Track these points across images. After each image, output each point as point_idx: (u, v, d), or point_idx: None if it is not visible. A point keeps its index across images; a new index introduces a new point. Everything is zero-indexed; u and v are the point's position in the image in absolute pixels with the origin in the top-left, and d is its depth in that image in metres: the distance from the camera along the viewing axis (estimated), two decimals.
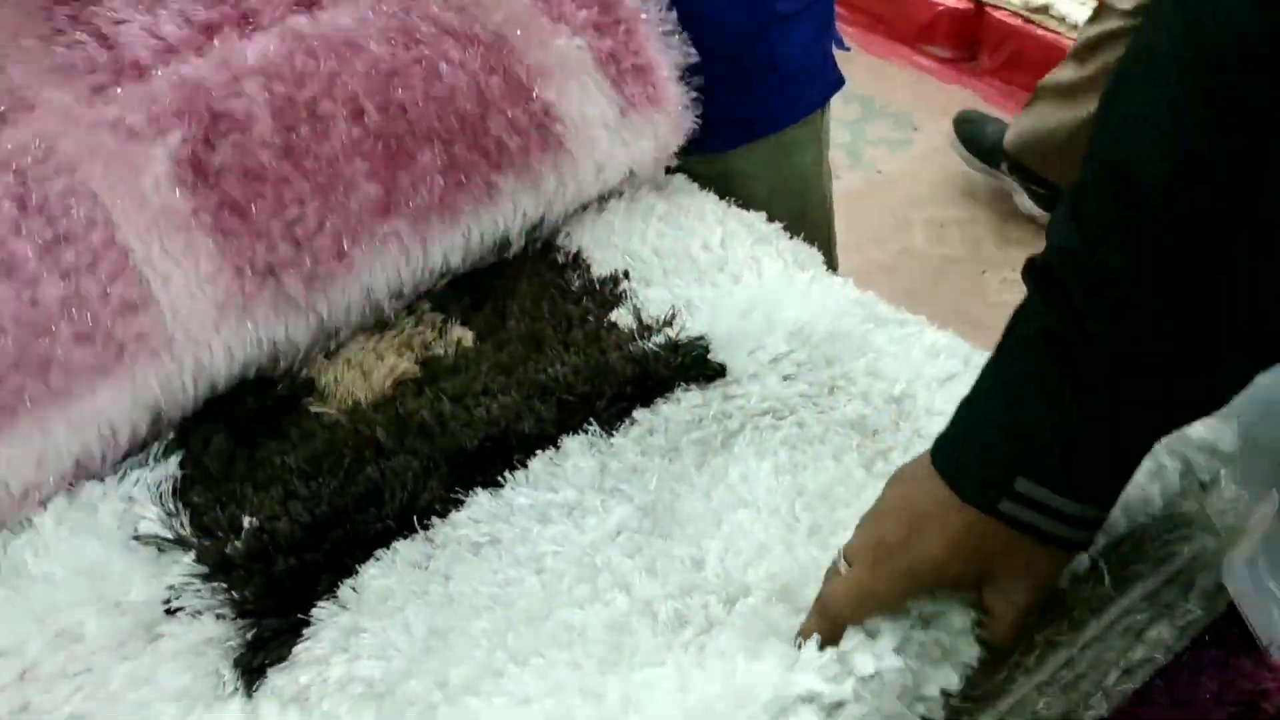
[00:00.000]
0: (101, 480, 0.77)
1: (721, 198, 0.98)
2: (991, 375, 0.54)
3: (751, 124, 1.07)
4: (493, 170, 0.88)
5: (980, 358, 0.78)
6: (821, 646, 0.56)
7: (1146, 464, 0.59)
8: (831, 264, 1.20)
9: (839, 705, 0.53)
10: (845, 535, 0.61)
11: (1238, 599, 0.63)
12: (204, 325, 0.78)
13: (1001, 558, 0.53)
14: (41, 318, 0.73)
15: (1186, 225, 0.45)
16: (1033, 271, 0.52)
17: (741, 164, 1.07)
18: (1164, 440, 0.64)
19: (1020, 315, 0.52)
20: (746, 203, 1.03)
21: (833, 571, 0.58)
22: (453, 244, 0.88)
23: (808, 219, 1.14)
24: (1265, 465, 0.75)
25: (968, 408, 0.55)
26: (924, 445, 0.70)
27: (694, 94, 0.98)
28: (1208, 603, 0.64)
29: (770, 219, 1.05)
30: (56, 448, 0.74)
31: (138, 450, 0.80)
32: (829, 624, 0.56)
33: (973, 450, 0.53)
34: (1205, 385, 0.50)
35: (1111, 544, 0.63)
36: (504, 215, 0.90)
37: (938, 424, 0.70)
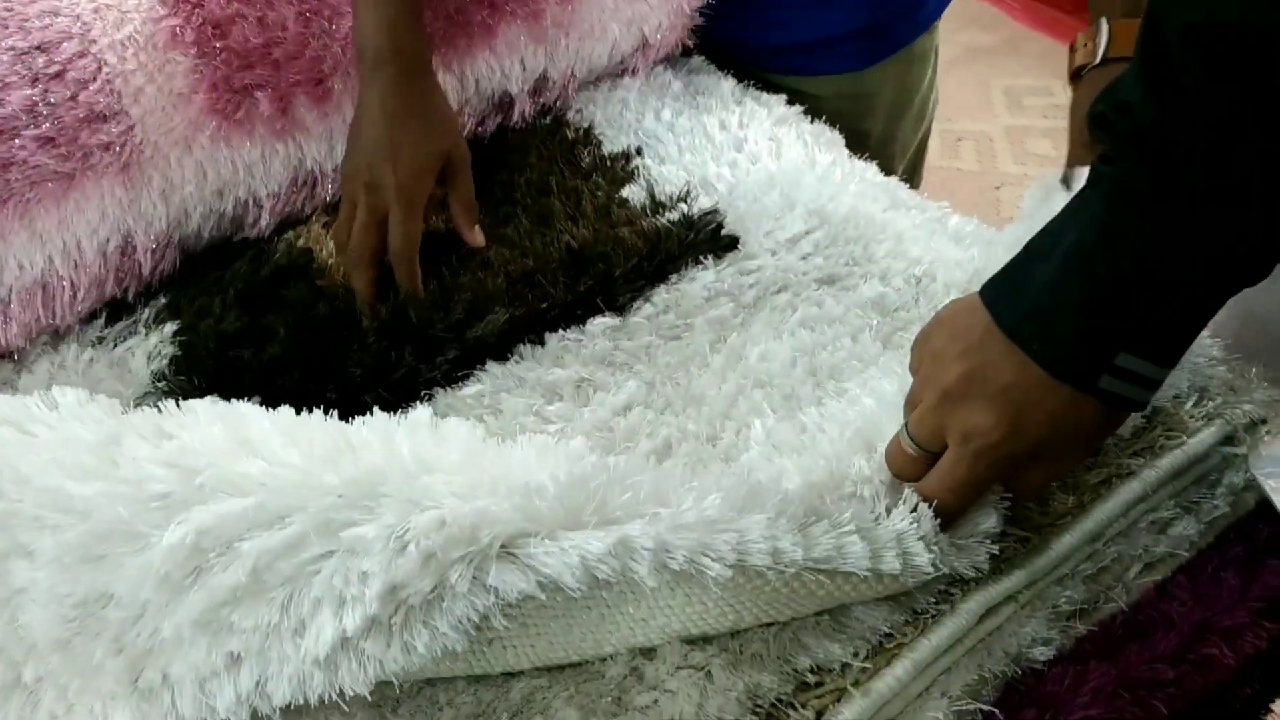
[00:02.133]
0: (75, 339, 0.75)
1: (843, 122, 0.93)
2: (1100, 242, 0.49)
3: (890, 36, 1.00)
4: (487, 9, 0.83)
5: (1007, 239, 0.75)
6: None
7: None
8: (917, 179, 1.17)
9: None
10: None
11: (1265, 483, 0.61)
12: (174, 142, 0.74)
13: (1086, 433, 0.52)
14: (5, 120, 0.69)
15: (1210, 73, 0.44)
16: (1124, 137, 0.48)
17: (872, 82, 1.01)
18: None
19: (1113, 182, 0.48)
20: (868, 122, 1.00)
21: (899, 452, 0.55)
22: (447, 85, 0.83)
23: (921, 132, 1.11)
24: None
25: (1054, 281, 0.50)
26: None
27: None
28: (1234, 499, 0.62)
29: (889, 137, 1.03)
30: (18, 258, 0.71)
31: (126, 311, 0.78)
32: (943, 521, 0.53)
33: (1068, 328, 0.49)
34: None
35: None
36: (502, 60, 0.85)
37: None
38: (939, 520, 0.53)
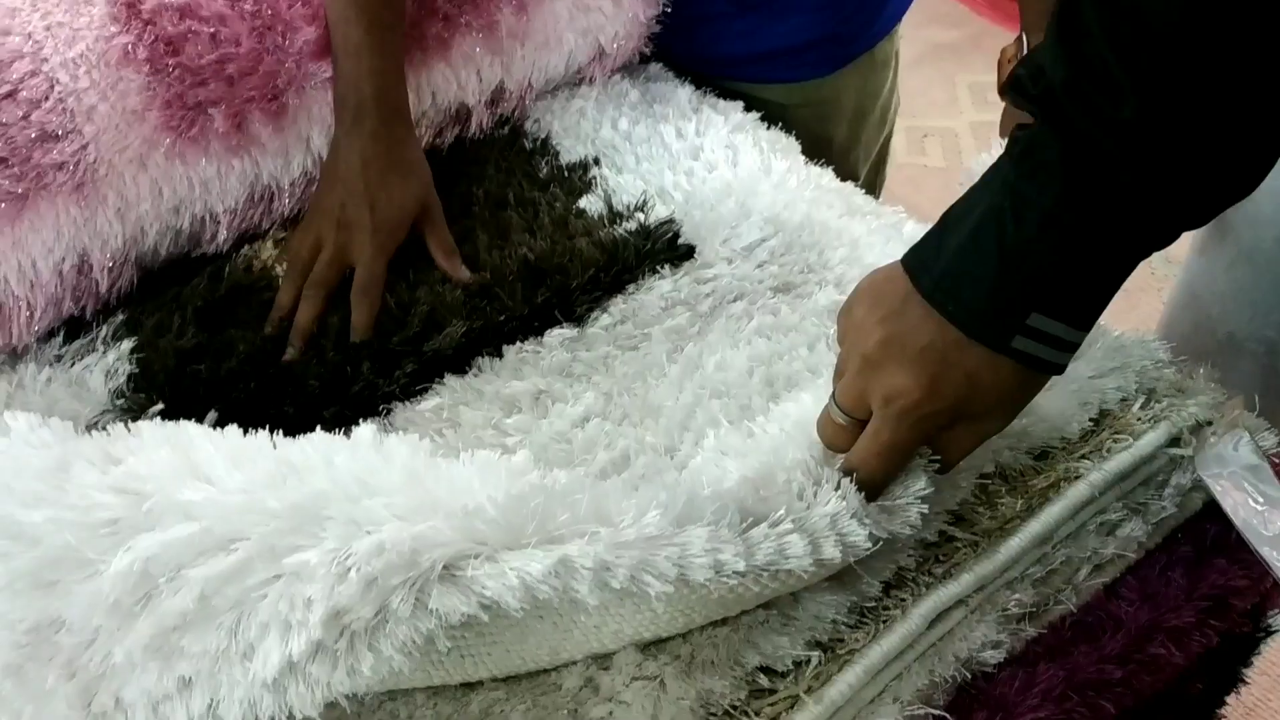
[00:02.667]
0: (33, 358, 0.75)
1: (807, 129, 0.94)
2: (1008, 207, 0.50)
3: (850, 43, 1.00)
4: (441, 23, 0.83)
5: None
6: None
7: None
8: (880, 180, 1.17)
9: None
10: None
11: (1211, 484, 0.62)
12: (129, 160, 0.74)
13: (1004, 393, 0.52)
14: None
15: (1204, 65, 0.44)
16: (1034, 100, 0.49)
17: (833, 89, 1.01)
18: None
19: (1035, 147, 0.49)
20: (830, 128, 1.01)
21: (828, 422, 0.56)
22: None
23: (884, 136, 1.11)
24: (1246, 366, 0.74)
25: (968, 244, 0.51)
26: None
27: None
28: (1181, 500, 0.63)
29: (853, 142, 1.03)
30: None
31: (83, 330, 0.77)
32: (868, 491, 0.54)
33: (983, 288, 0.50)
34: (1205, 209, 0.49)
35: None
36: (458, 72, 0.85)
37: None
38: (866, 490, 0.54)
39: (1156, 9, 0.44)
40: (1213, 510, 0.63)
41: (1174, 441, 0.63)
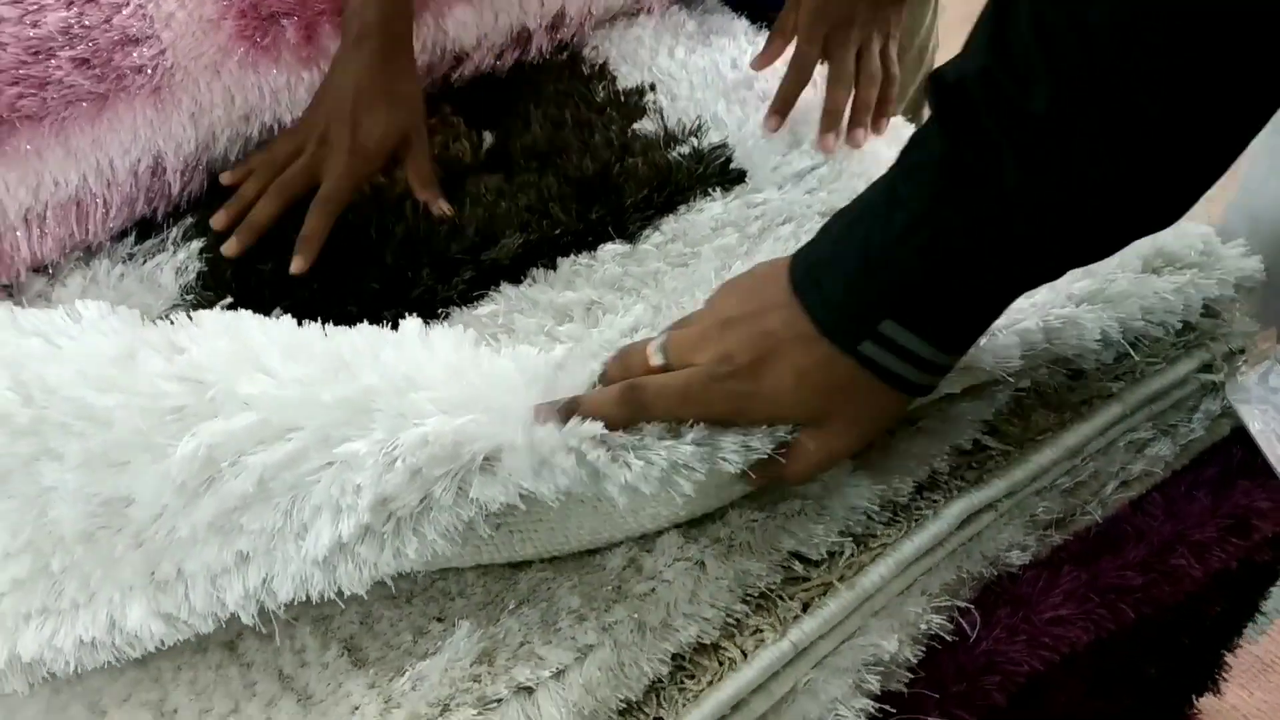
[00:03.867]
0: (108, 255, 0.79)
1: None
2: (882, 202, 0.48)
3: None
4: None
5: None
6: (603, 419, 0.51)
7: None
8: (918, 121, 1.17)
9: None
10: None
11: (1239, 409, 0.63)
12: (204, 66, 0.77)
13: (841, 398, 0.50)
14: (42, 40, 0.72)
15: (1128, 67, 0.41)
16: (941, 91, 0.46)
17: None
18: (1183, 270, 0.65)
19: (919, 143, 0.47)
20: None
21: (635, 353, 0.54)
22: (466, 19, 0.86)
23: (920, 74, 1.11)
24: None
25: (844, 234, 0.49)
26: None
27: None
28: (1210, 424, 0.65)
29: None
30: (53, 174, 0.74)
31: (154, 230, 0.81)
32: (631, 411, 0.51)
33: (841, 283, 0.48)
34: (1099, 243, 0.47)
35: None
36: None
37: None
38: (614, 419, 0.51)
39: (1093, 5, 0.41)
40: (1241, 436, 0.65)
41: (1206, 367, 0.65)
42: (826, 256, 0.50)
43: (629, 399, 0.51)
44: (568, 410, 0.51)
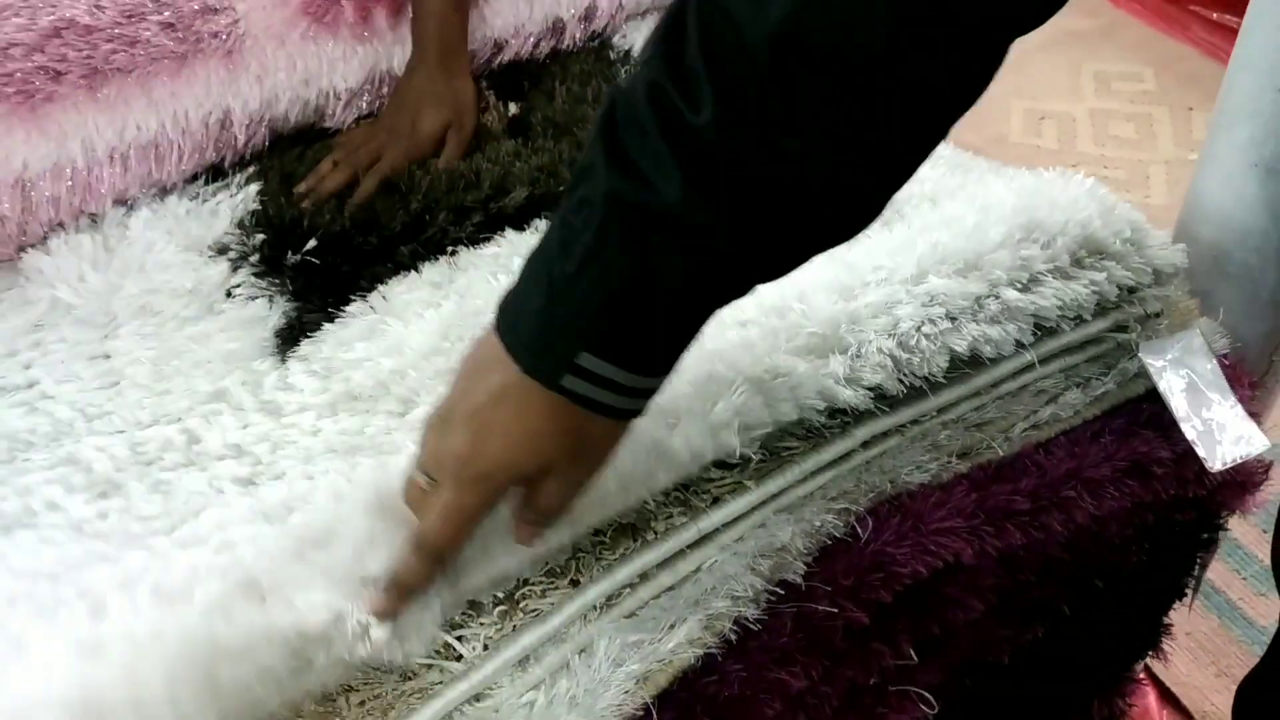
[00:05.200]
0: (179, 193, 0.91)
1: None
2: (557, 239, 0.47)
3: None
4: None
5: (979, 168, 0.84)
6: (416, 591, 0.54)
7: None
8: None
9: None
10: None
11: (1150, 365, 0.69)
12: (271, 36, 0.90)
13: (567, 439, 0.50)
14: (135, 5, 0.85)
15: (787, 87, 0.41)
16: (612, 104, 0.46)
17: None
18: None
19: (585, 173, 0.46)
20: None
21: (413, 485, 0.54)
22: (504, 10, 0.98)
23: None
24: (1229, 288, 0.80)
25: (531, 272, 0.49)
26: (929, 208, 0.78)
27: None
28: (1124, 382, 0.70)
29: None
30: (136, 120, 0.87)
31: (220, 177, 0.93)
32: (431, 560, 0.53)
33: (534, 322, 0.48)
34: (775, 257, 0.47)
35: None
36: None
37: (913, 210, 0.77)
38: (433, 553, 0.53)
39: (754, 23, 0.41)
40: (1154, 395, 0.70)
41: (1121, 328, 0.70)
42: (520, 296, 0.49)
43: (421, 556, 0.53)
44: (391, 605, 0.53)
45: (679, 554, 0.61)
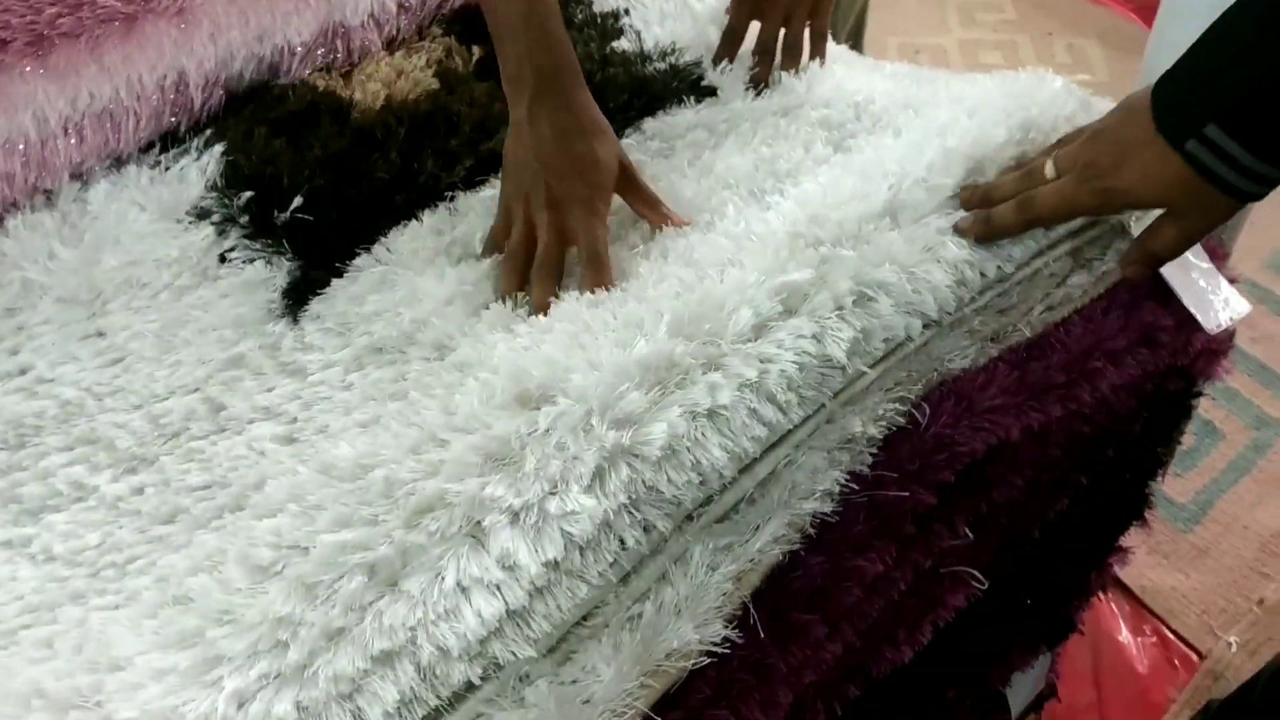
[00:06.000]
0: (136, 163, 0.87)
1: None
2: (1216, 31, 0.58)
3: None
4: None
5: (942, 78, 0.88)
6: (1000, 236, 0.68)
7: None
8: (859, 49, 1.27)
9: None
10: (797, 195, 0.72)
11: None
12: None
13: (1181, 192, 0.61)
14: None
15: None
16: None
17: None
18: None
19: None
20: None
21: (1037, 170, 0.68)
22: None
23: (858, 7, 1.20)
24: None
25: (1195, 50, 0.59)
26: (883, 132, 0.81)
27: None
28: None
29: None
30: (89, 88, 0.82)
31: (177, 143, 0.89)
32: (1025, 220, 0.67)
33: (1182, 90, 0.59)
34: None
35: None
36: None
37: (897, 118, 0.80)
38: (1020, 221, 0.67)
39: None
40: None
41: None
42: (1176, 71, 0.60)
43: (1023, 209, 0.67)
44: (982, 197, 0.68)
45: (755, 459, 0.62)
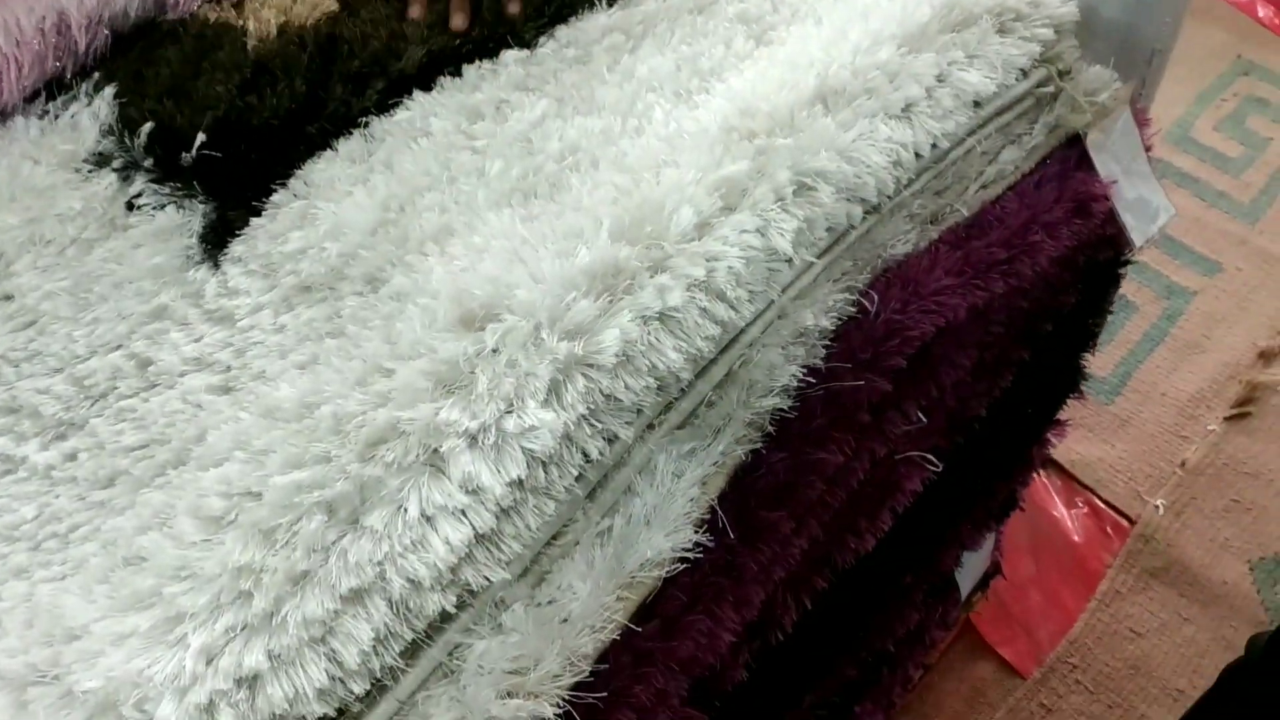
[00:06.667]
0: (24, 114, 0.81)
1: None
2: None
3: None
4: None
5: None
6: None
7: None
8: None
9: None
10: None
11: (1095, 157, 0.74)
12: None
13: None
14: None
15: None
16: None
17: None
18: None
19: None
20: None
21: None
22: None
23: None
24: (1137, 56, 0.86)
25: None
26: (803, 22, 0.80)
27: None
28: (1048, 132, 0.75)
29: None
30: None
31: (63, 90, 0.83)
32: None
33: None
34: None
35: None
36: None
37: (817, 6, 0.79)
38: None
39: None
40: (1075, 140, 0.76)
41: (1042, 83, 0.75)
42: None
43: None
44: None
45: (711, 361, 0.61)
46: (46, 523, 0.59)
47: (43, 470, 0.62)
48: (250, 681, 0.49)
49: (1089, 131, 0.76)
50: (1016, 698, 1.42)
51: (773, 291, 0.62)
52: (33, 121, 0.81)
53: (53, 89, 0.83)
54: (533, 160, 0.74)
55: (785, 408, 0.62)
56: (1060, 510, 1.60)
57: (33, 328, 0.69)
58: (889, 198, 0.67)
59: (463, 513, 0.53)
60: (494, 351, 0.56)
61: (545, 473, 0.55)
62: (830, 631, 0.80)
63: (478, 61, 0.82)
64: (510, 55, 0.82)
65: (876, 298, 0.64)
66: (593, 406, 0.55)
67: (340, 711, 0.52)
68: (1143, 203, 0.75)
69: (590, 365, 0.56)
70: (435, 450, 0.53)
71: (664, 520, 0.58)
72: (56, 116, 0.81)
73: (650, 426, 0.59)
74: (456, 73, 0.81)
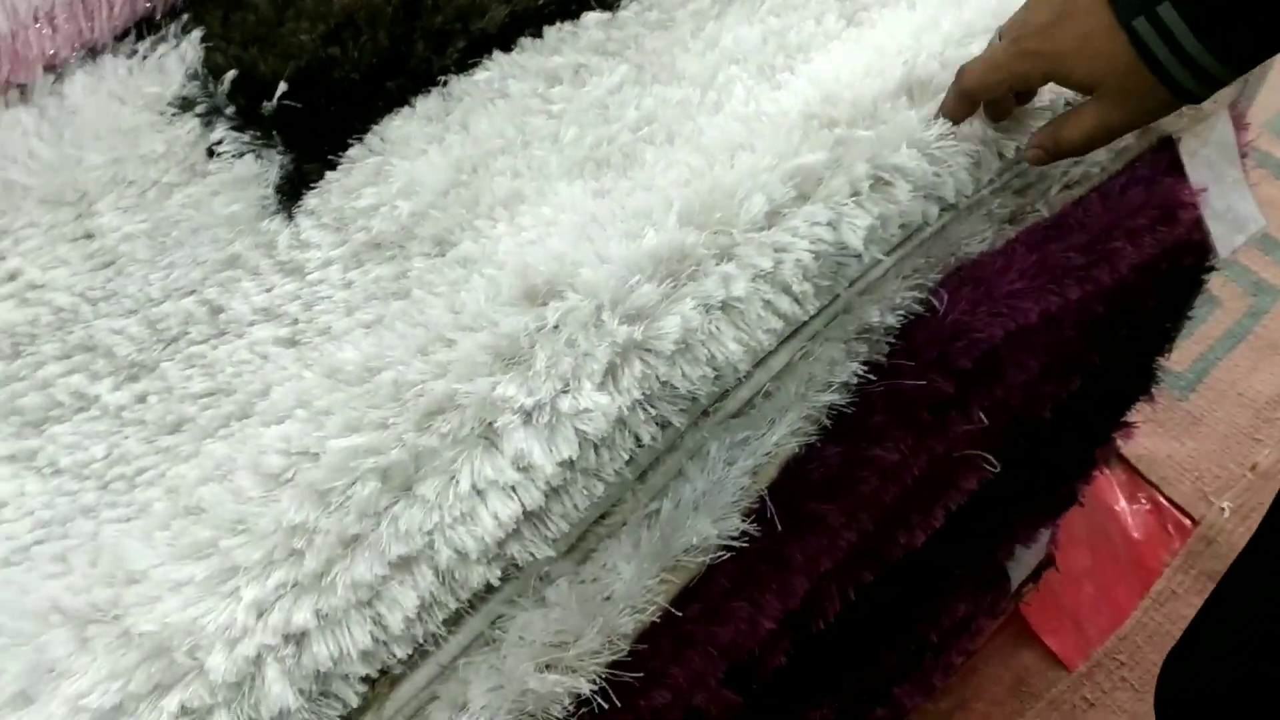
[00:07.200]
0: (112, 52, 0.82)
1: None
2: None
3: None
4: None
5: None
6: (955, 119, 0.62)
7: None
8: None
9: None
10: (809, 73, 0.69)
11: (1186, 162, 0.71)
12: None
13: (1117, 75, 0.55)
14: None
15: None
16: None
17: None
18: None
19: None
20: None
21: (989, 47, 0.61)
22: None
23: None
24: None
25: None
26: (896, 4, 0.78)
27: None
28: (1141, 134, 0.73)
29: None
30: None
31: (152, 30, 0.84)
32: (956, 90, 0.60)
33: None
34: None
35: None
36: None
37: None
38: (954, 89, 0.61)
39: None
40: (1167, 143, 0.73)
41: None
42: None
43: (956, 78, 0.61)
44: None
45: (770, 352, 0.61)
46: (115, 463, 0.61)
47: (114, 410, 0.64)
48: (298, 638, 0.50)
49: (1183, 136, 0.73)
50: (1060, 689, 1.41)
51: (839, 286, 0.61)
52: (121, 60, 0.82)
53: (142, 28, 0.84)
54: (608, 129, 0.74)
55: (843, 404, 0.62)
56: (1122, 504, 1.57)
57: (111, 268, 0.70)
58: (966, 196, 0.65)
59: (513, 489, 0.53)
60: (555, 329, 0.56)
61: (596, 455, 0.55)
62: (874, 621, 0.80)
63: (558, 23, 0.81)
64: (591, 17, 0.81)
65: (946, 297, 0.63)
66: (648, 392, 0.55)
67: (382, 672, 0.53)
68: (1232, 212, 0.72)
69: (649, 350, 0.56)
70: (490, 424, 0.54)
71: (712, 506, 0.59)
72: (145, 57, 0.82)
73: (705, 413, 0.59)
74: (537, 34, 0.80)
